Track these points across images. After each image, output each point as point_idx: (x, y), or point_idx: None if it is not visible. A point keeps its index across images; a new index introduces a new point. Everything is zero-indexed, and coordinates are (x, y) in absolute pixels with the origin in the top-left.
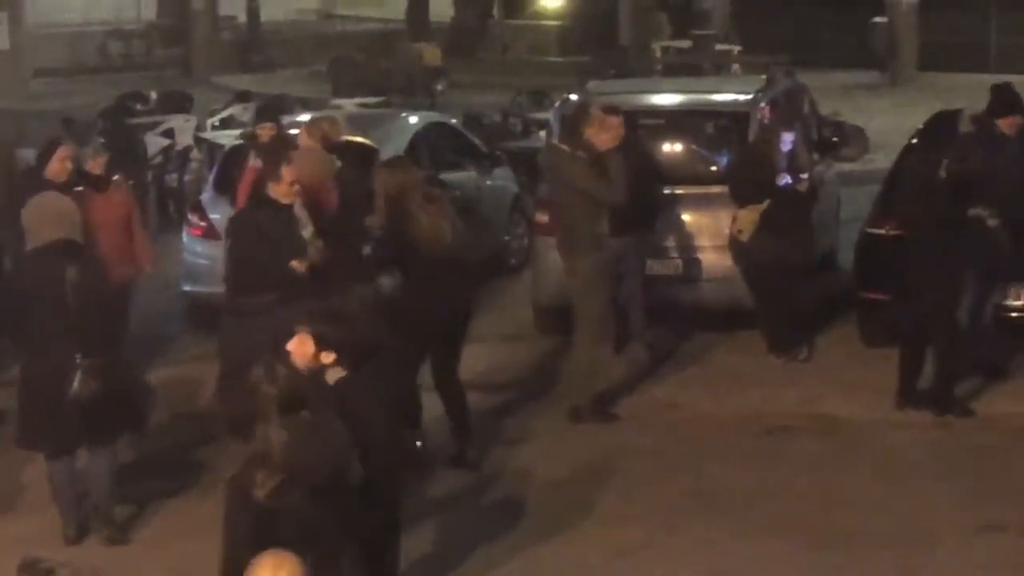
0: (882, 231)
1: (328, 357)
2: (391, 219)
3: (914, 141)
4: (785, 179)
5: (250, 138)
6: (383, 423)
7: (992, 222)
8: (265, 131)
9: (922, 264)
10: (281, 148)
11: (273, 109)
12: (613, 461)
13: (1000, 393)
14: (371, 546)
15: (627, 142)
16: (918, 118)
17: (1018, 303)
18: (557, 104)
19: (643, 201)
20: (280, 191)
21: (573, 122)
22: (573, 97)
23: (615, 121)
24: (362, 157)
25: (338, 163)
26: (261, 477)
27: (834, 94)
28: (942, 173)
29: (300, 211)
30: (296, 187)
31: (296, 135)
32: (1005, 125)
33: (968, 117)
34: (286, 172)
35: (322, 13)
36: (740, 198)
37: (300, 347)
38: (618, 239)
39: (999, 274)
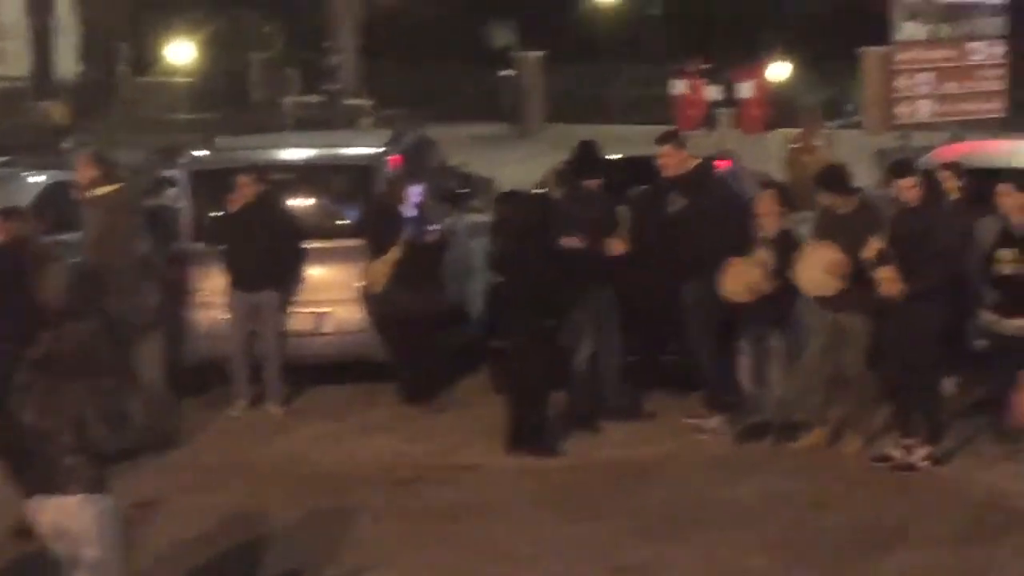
0: None
1: None
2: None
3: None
4: (414, 231)
5: None
6: None
7: (575, 244)
8: None
9: (513, 311)
10: None
11: None
12: (243, 518)
13: (631, 435)
14: None
15: (258, 197)
16: (546, 168)
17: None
18: (184, 161)
19: (278, 256)
20: None
21: None
22: (202, 153)
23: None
24: None
25: None
26: None
27: (464, 146)
28: (534, 219)
29: None
30: None
31: None
32: (589, 185)
33: (553, 173)
34: None
35: None
36: (371, 250)
37: None
38: (252, 294)
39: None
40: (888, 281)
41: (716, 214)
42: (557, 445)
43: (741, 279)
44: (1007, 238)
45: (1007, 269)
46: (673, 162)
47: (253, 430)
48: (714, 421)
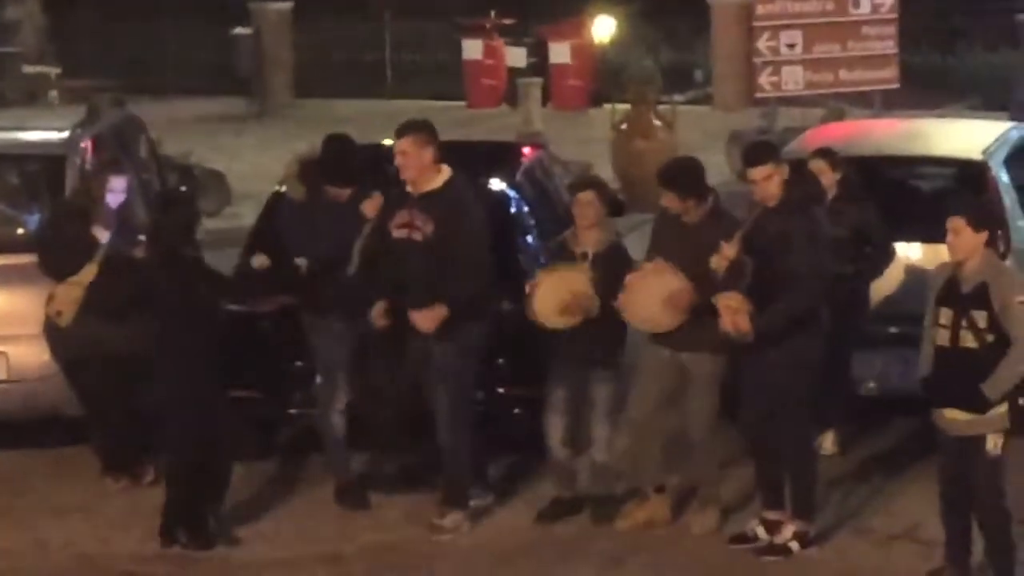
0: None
1: None
2: None
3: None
4: (116, 243)
5: None
6: None
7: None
8: None
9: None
10: None
11: None
12: None
13: (407, 512)
14: None
15: None
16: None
17: None
18: None
19: None
20: None
21: None
22: None
23: None
24: None
25: None
26: None
27: (187, 129)
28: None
29: None
30: None
31: None
32: (333, 193)
33: (296, 165)
34: None
35: None
36: (57, 269)
37: None
38: None
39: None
40: (731, 312)
41: (470, 246)
42: (220, 533)
43: (556, 296)
44: (949, 295)
45: (941, 338)
46: (413, 164)
47: None
48: (450, 519)
